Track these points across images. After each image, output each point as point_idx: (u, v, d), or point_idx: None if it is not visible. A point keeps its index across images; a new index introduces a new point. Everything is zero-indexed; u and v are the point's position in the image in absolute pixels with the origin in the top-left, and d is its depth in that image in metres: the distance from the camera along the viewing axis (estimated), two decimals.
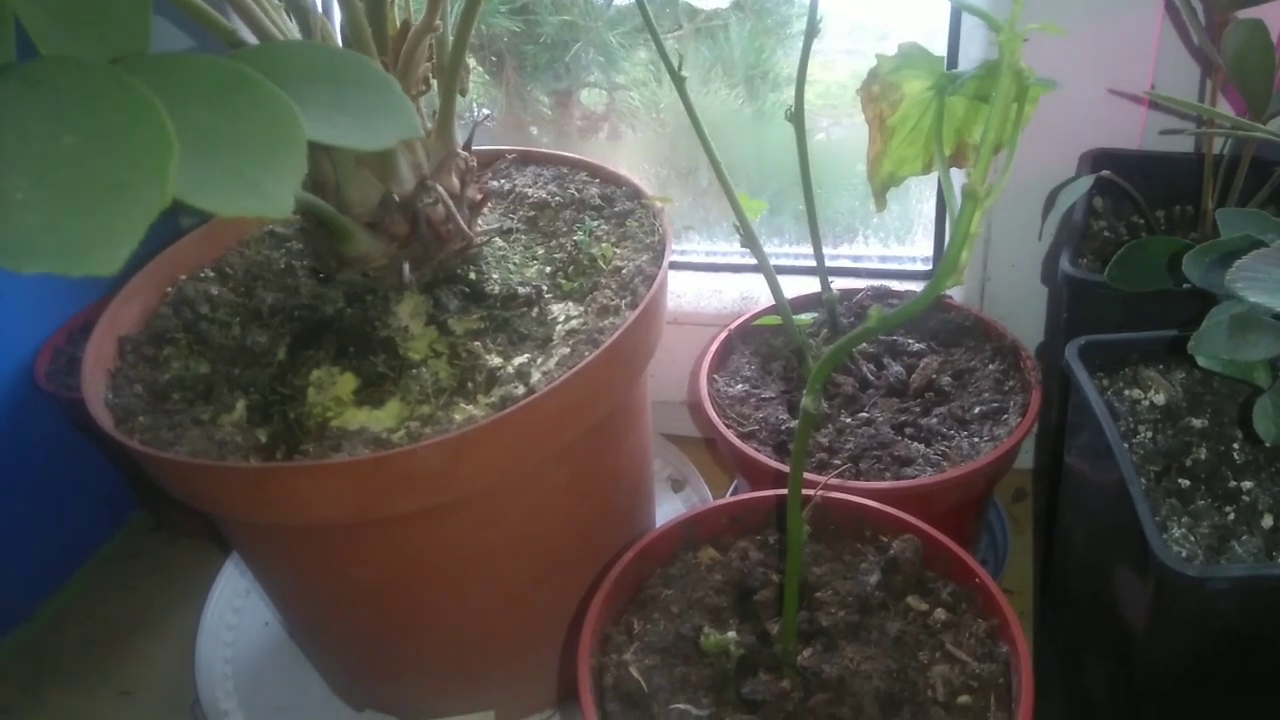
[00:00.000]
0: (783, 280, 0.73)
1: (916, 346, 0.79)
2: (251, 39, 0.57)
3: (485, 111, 1.09)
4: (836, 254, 0.97)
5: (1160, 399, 0.51)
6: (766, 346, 0.82)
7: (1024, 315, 0.84)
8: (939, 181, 0.58)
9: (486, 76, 1.06)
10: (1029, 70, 0.45)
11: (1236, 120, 0.49)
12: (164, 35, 0.82)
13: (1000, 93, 0.35)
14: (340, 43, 0.59)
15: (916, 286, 0.85)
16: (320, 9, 0.59)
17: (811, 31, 0.65)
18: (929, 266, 0.93)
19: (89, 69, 0.31)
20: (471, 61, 1.04)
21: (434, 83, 0.64)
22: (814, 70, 0.99)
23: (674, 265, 1.00)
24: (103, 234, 0.27)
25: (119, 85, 0.30)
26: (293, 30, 0.58)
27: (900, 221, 0.96)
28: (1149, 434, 0.50)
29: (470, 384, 0.60)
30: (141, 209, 0.28)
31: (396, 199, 0.61)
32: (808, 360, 0.75)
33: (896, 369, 0.77)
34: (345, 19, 0.56)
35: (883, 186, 0.51)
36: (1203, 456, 0.48)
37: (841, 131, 0.99)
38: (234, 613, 0.83)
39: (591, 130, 1.08)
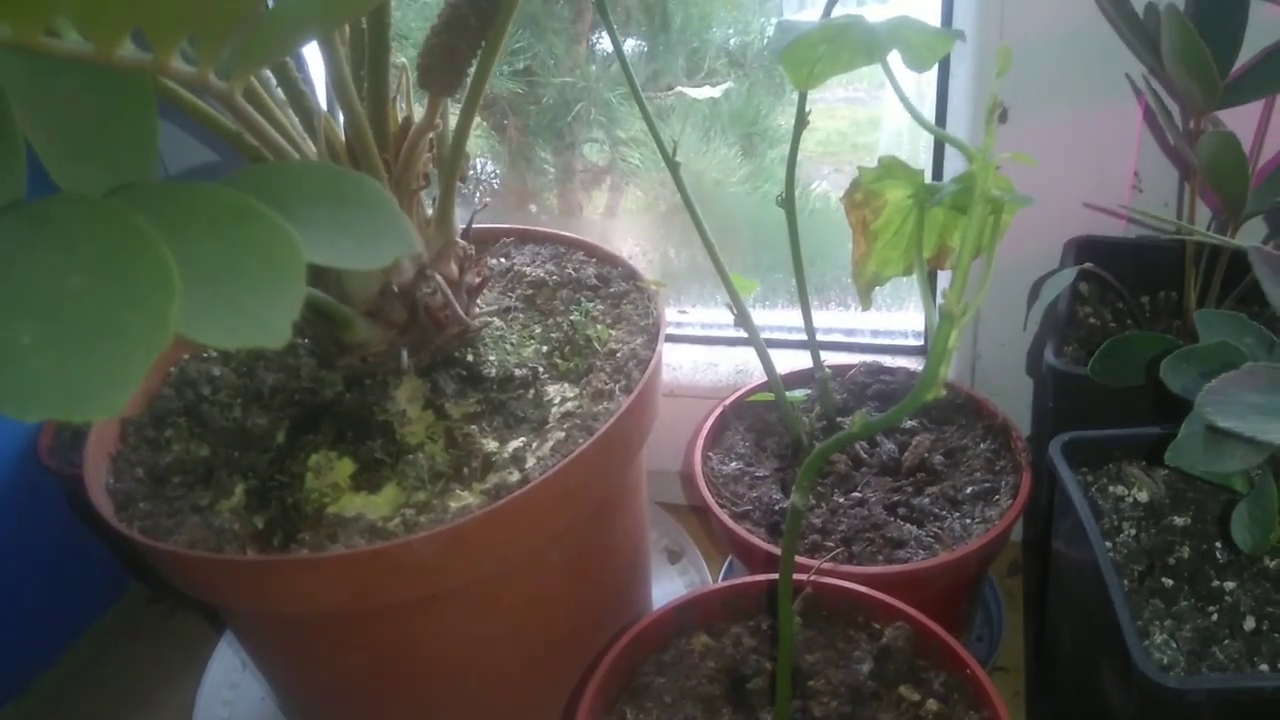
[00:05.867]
0: (776, 354, 0.73)
1: (909, 424, 0.79)
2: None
3: (491, 180, 1.11)
4: (830, 327, 0.98)
5: (1144, 496, 0.52)
6: (761, 422, 0.83)
7: (1015, 392, 0.85)
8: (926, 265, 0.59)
9: (492, 133, 1.08)
10: (1007, 184, 0.47)
11: (1207, 235, 0.50)
12: (186, 149, 0.85)
13: (974, 216, 0.36)
14: (343, 139, 0.61)
15: (908, 362, 0.86)
16: (325, 108, 0.61)
17: (800, 123, 0.67)
18: (920, 341, 0.94)
19: (95, 206, 0.32)
20: (476, 119, 1.06)
21: (434, 173, 0.66)
22: (814, 118, 1.01)
23: (670, 337, 1.01)
24: (107, 377, 0.28)
25: (124, 223, 0.31)
26: (296, 127, 0.59)
27: (892, 297, 0.97)
28: (1132, 531, 0.51)
29: (466, 469, 0.61)
30: (143, 350, 0.29)
31: (396, 288, 0.62)
32: (802, 439, 0.76)
33: (889, 446, 0.77)
34: (346, 120, 0.57)
35: (867, 286, 0.52)
36: (1185, 555, 0.49)
37: (842, 179, 1.00)
38: (230, 688, 0.83)
39: (594, 183, 1.09)
